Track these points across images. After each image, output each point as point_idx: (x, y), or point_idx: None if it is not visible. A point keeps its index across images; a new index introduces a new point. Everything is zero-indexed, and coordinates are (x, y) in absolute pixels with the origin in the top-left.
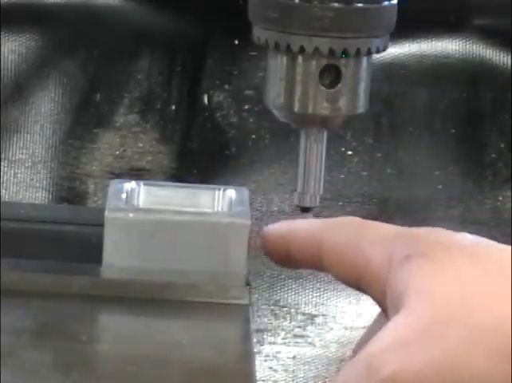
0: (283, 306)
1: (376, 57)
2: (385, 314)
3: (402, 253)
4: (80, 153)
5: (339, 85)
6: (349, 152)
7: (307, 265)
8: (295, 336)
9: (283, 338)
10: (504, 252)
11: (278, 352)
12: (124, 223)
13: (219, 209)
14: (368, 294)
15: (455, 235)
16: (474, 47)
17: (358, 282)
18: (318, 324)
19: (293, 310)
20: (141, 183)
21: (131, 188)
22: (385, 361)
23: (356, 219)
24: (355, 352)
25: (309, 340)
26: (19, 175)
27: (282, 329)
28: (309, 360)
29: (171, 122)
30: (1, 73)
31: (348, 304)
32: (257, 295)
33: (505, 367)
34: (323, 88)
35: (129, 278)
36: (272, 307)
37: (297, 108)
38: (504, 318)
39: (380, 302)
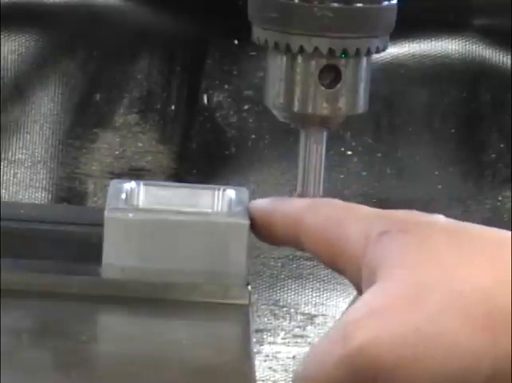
0: (283, 306)
1: (376, 57)
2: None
3: (378, 230)
4: (80, 153)
5: (339, 85)
6: (349, 152)
7: (288, 243)
8: (295, 336)
9: (283, 338)
10: (483, 230)
11: (278, 352)
12: (124, 223)
13: (219, 209)
14: (345, 275)
15: (434, 216)
16: (474, 47)
17: (335, 261)
18: (318, 324)
19: (292, 310)
20: (141, 183)
21: (131, 188)
22: (359, 329)
23: (338, 201)
24: None
25: (309, 340)
26: (19, 175)
27: (282, 329)
28: None
29: (170, 122)
30: (1, 73)
31: (348, 304)
32: (256, 295)
33: (482, 335)
34: (323, 88)
35: (129, 278)
36: (272, 307)
37: (296, 108)
38: (483, 288)
39: (356, 282)
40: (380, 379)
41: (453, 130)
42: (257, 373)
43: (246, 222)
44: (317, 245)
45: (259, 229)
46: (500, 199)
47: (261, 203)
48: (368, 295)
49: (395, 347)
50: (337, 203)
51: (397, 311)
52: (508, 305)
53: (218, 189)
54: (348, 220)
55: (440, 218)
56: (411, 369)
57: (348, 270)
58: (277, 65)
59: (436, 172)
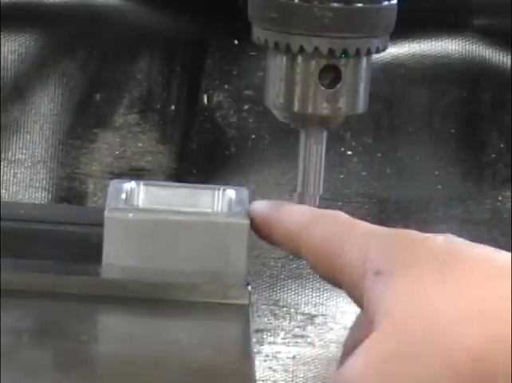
0: (283, 306)
1: (375, 57)
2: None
3: (374, 267)
4: (80, 153)
5: (338, 85)
6: (349, 152)
7: (286, 250)
8: (295, 336)
9: (283, 338)
10: (481, 262)
11: (278, 352)
12: (124, 223)
13: (219, 209)
14: (342, 289)
15: (428, 244)
16: (474, 47)
17: (334, 279)
18: (318, 324)
19: (292, 310)
20: (141, 183)
21: (131, 188)
22: None
23: (339, 217)
24: (342, 355)
25: (309, 340)
26: (19, 175)
27: (282, 329)
28: (309, 360)
29: (170, 122)
30: (1, 73)
31: (348, 304)
32: (256, 295)
33: None
34: (323, 88)
35: (129, 278)
36: (271, 307)
37: (296, 108)
38: (474, 349)
39: (355, 299)
40: None
41: (453, 130)
42: (257, 373)
43: (246, 222)
44: (316, 262)
45: (259, 232)
46: (500, 199)
47: (262, 208)
48: (364, 350)
49: None
50: (337, 220)
51: (393, 370)
52: (500, 366)
53: (218, 189)
54: (347, 243)
55: (436, 246)
56: None
57: (346, 289)
58: (277, 65)
59: (436, 172)
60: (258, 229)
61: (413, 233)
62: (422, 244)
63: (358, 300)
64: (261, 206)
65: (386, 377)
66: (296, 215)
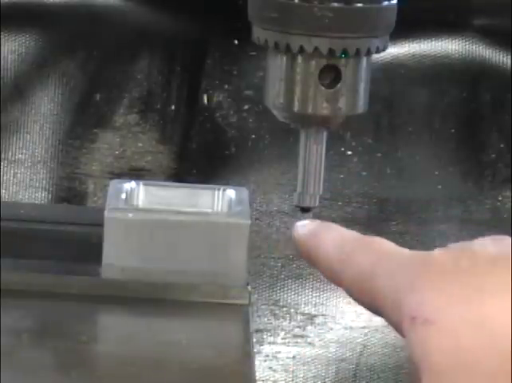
0: (283, 306)
1: (375, 57)
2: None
3: (408, 311)
4: (80, 153)
5: (338, 85)
6: (349, 152)
7: (329, 280)
8: (295, 336)
9: (283, 338)
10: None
11: (278, 352)
12: (124, 223)
13: (219, 209)
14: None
15: (456, 274)
16: (474, 47)
17: (376, 312)
18: (318, 324)
19: (292, 310)
20: (141, 183)
21: (131, 188)
22: None
23: (375, 245)
24: None
25: (309, 340)
26: (19, 175)
27: (282, 329)
28: (309, 360)
29: (170, 122)
30: (1, 73)
31: (348, 304)
32: (256, 295)
33: None
34: (323, 88)
35: (129, 278)
36: (272, 307)
37: (296, 108)
38: None
39: (401, 334)
40: None
41: (453, 130)
42: (257, 373)
43: (246, 222)
44: (357, 296)
45: (303, 256)
46: (500, 199)
47: (305, 232)
48: None
49: None
50: (373, 250)
51: None
52: None
53: (218, 189)
54: (382, 279)
55: (463, 268)
56: None
57: (389, 321)
58: (277, 65)
59: (436, 172)
60: (302, 251)
61: (440, 261)
62: (452, 277)
63: (397, 326)
64: (302, 228)
65: None
66: (334, 243)
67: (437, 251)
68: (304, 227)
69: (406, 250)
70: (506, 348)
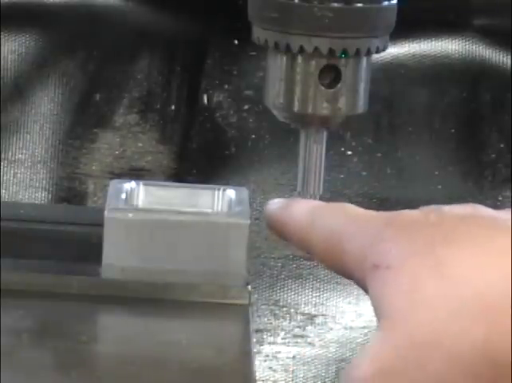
0: (283, 306)
1: (375, 57)
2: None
3: (372, 259)
4: (80, 153)
5: (338, 85)
6: (349, 152)
7: (300, 249)
8: (295, 336)
9: (283, 338)
10: (475, 244)
11: (278, 352)
12: (124, 223)
13: (219, 209)
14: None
15: (426, 232)
16: (474, 47)
17: (344, 275)
18: (318, 324)
19: (292, 310)
20: (141, 183)
21: (131, 188)
22: None
23: (344, 208)
24: None
25: (309, 340)
26: (19, 175)
27: (282, 329)
28: (309, 360)
29: (170, 122)
30: (1, 73)
31: (348, 304)
32: (256, 295)
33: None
34: (323, 88)
35: (129, 278)
36: (272, 307)
37: (296, 108)
38: (481, 345)
39: (363, 288)
40: None
41: (453, 130)
42: (257, 373)
43: (246, 222)
44: (322, 257)
45: (274, 231)
46: (500, 199)
47: (274, 208)
48: (372, 350)
49: None
50: (343, 211)
51: (400, 375)
52: (508, 356)
53: (218, 189)
54: (348, 237)
55: (436, 228)
56: None
57: (355, 281)
58: (277, 65)
59: (436, 172)
60: (272, 227)
61: (407, 216)
62: (417, 229)
63: (362, 284)
64: (272, 205)
65: (389, 381)
66: (301, 214)
67: (406, 210)
68: (275, 203)
69: (374, 211)
70: (465, 294)
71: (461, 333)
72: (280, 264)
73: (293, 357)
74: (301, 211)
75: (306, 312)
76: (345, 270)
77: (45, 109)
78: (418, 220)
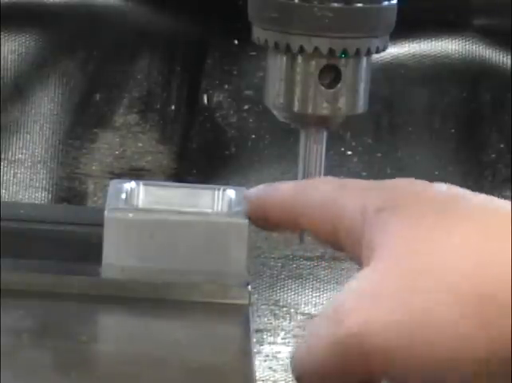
0: (283, 306)
1: (375, 57)
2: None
3: (374, 205)
4: (80, 153)
5: (338, 85)
6: (349, 152)
7: (284, 225)
8: (295, 336)
9: (283, 338)
10: (477, 204)
11: (278, 352)
12: (124, 223)
13: (219, 209)
14: (345, 252)
15: (430, 187)
16: (474, 47)
17: (334, 239)
18: None
19: (292, 310)
20: (141, 183)
21: (131, 188)
22: (352, 313)
23: (334, 179)
24: None
25: None
26: (19, 175)
27: (282, 329)
28: None
29: (170, 122)
30: (1, 73)
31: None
32: (256, 295)
33: (473, 321)
34: (323, 88)
35: (129, 278)
36: (272, 307)
37: (296, 108)
38: (472, 275)
39: (357, 258)
40: (371, 365)
41: (453, 130)
42: (257, 373)
43: (246, 222)
44: (315, 224)
45: (256, 217)
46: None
47: (254, 191)
48: (361, 278)
49: (387, 333)
50: (333, 180)
51: (389, 298)
52: (497, 289)
53: (218, 189)
54: (344, 196)
55: (438, 189)
56: (402, 354)
57: (348, 245)
58: (277, 65)
59: (436, 172)
60: (254, 213)
61: (412, 180)
62: (422, 187)
63: (357, 248)
64: (252, 190)
65: (383, 305)
66: (288, 187)
67: None
68: (254, 189)
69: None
70: (470, 237)
71: (457, 265)
72: (280, 264)
73: None
74: (286, 185)
75: (306, 312)
76: (340, 234)
77: (45, 109)
78: (418, 181)
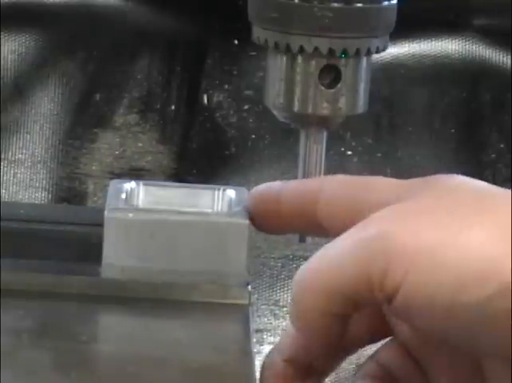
0: (283, 306)
1: (375, 57)
2: None
3: (406, 186)
4: (80, 153)
5: (338, 85)
6: (349, 152)
7: (299, 222)
8: None
9: None
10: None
11: None
12: (124, 223)
13: (219, 209)
14: None
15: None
16: (474, 47)
17: (357, 213)
18: None
19: None
20: (141, 183)
21: (131, 188)
22: (382, 221)
23: (350, 176)
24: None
25: None
26: (19, 175)
27: (282, 329)
28: None
29: (170, 122)
30: (1, 73)
31: None
32: (257, 295)
33: (500, 243)
34: (323, 88)
35: (129, 278)
36: (272, 307)
37: (296, 108)
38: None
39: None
40: (390, 270)
41: (453, 130)
42: (257, 373)
43: (246, 222)
44: (335, 212)
45: (265, 214)
46: None
47: (266, 186)
48: (391, 206)
49: (412, 239)
50: (350, 177)
51: (419, 217)
52: None
53: (218, 189)
54: (374, 185)
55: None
56: (425, 262)
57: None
58: (277, 65)
59: (436, 172)
60: (264, 209)
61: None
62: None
63: None
64: (262, 186)
65: (414, 220)
66: (304, 182)
67: None
68: (263, 185)
69: None
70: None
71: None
72: (280, 264)
73: None
74: (300, 183)
75: None
76: (367, 203)
77: (45, 109)
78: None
